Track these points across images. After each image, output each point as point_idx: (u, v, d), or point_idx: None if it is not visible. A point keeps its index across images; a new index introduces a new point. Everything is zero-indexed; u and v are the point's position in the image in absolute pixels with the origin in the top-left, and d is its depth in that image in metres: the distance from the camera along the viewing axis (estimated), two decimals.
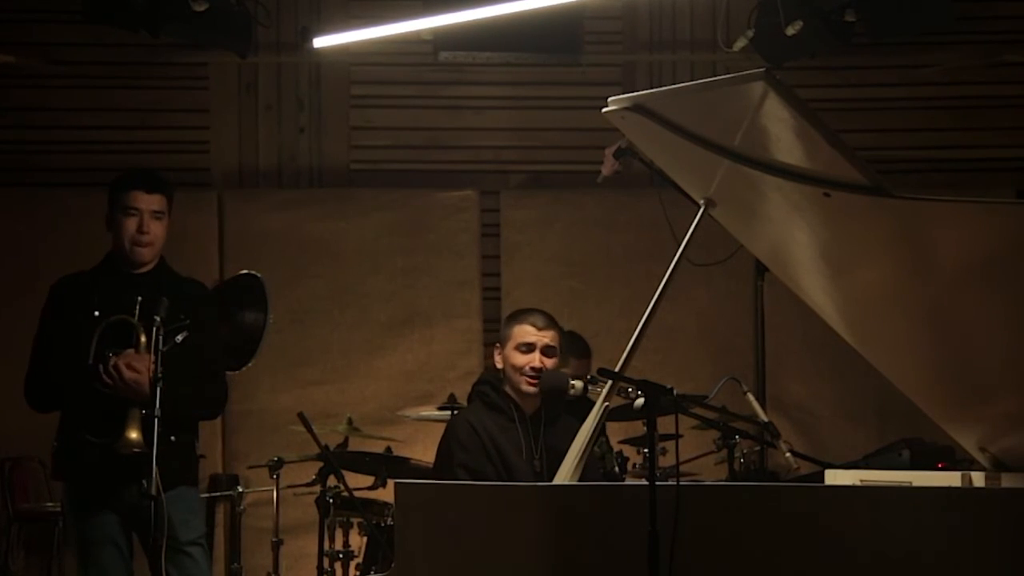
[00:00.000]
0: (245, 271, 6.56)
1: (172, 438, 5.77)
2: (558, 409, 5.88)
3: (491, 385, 5.91)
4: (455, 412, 7.34)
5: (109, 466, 5.65)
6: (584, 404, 5.50)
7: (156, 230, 5.85)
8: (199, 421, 6.05)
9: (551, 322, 5.94)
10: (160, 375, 5.46)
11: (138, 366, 5.62)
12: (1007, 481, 4.81)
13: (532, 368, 5.79)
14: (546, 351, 5.85)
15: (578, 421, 5.12)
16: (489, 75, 9.57)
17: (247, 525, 8.25)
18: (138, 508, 5.66)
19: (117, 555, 5.77)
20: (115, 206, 5.90)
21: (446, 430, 5.90)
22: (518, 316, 5.96)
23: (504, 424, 5.78)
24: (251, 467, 8.17)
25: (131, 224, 5.83)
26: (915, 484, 4.81)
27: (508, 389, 5.89)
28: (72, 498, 5.85)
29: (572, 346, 7.62)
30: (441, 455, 5.86)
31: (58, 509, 8.59)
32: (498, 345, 5.95)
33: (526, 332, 5.85)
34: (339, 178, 9.56)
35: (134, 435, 5.57)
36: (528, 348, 5.83)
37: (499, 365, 5.92)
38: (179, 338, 5.72)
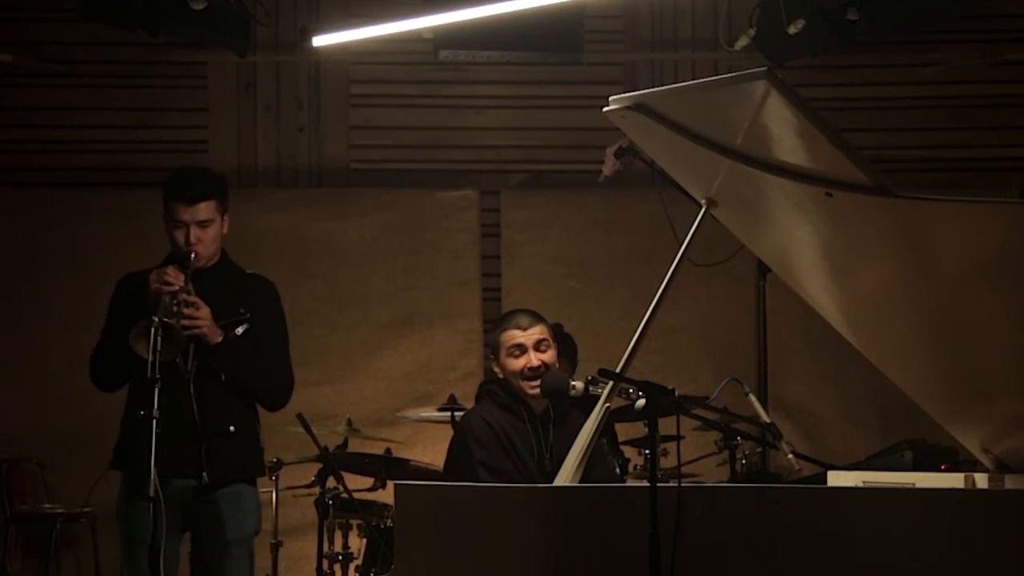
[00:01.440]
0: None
1: (231, 428, 5.79)
2: (566, 406, 5.85)
3: (500, 384, 5.89)
4: (455, 412, 7.33)
5: (167, 456, 5.58)
6: (595, 401, 5.47)
7: (205, 237, 5.84)
8: (264, 404, 6.00)
9: (535, 318, 5.91)
10: (159, 376, 5.42)
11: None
12: (1010, 483, 4.78)
13: (530, 368, 5.76)
14: (538, 347, 5.81)
15: (584, 415, 5.10)
16: (489, 74, 9.56)
17: None
18: (193, 504, 5.71)
19: (146, 557, 5.69)
20: (165, 212, 5.90)
21: (459, 429, 5.87)
22: (502, 323, 5.95)
23: (515, 423, 5.76)
24: (264, 475, 8.14)
25: (179, 235, 5.83)
26: (918, 486, 4.78)
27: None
28: (126, 492, 5.83)
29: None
30: (455, 454, 5.82)
31: (56, 511, 8.65)
32: (492, 357, 5.94)
33: (512, 336, 5.83)
34: (338, 178, 9.55)
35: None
36: (519, 350, 5.80)
37: (500, 374, 5.89)
38: (239, 330, 5.80)
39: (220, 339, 5.73)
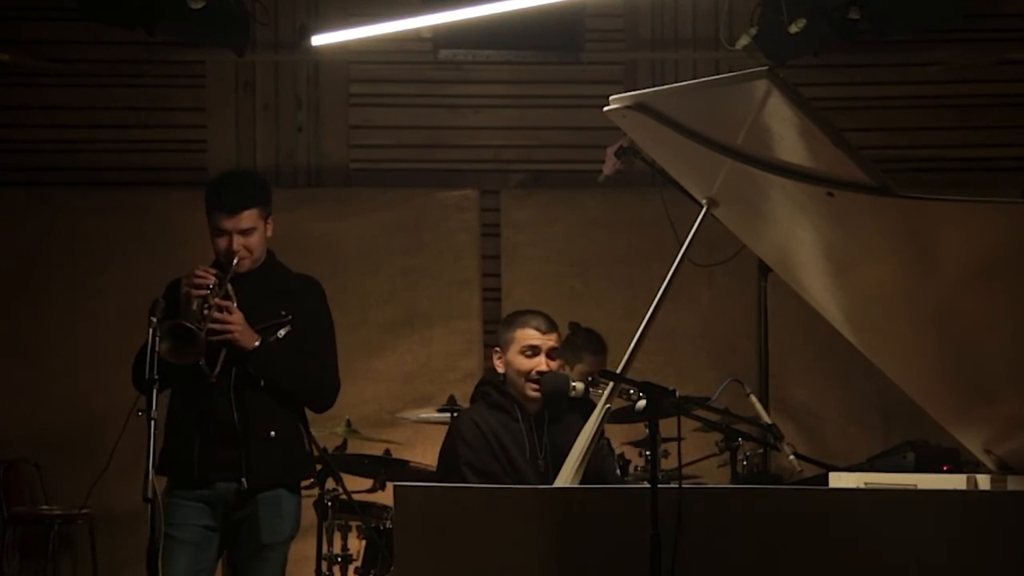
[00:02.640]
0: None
1: (272, 433, 5.74)
2: (561, 407, 5.82)
3: (494, 385, 5.86)
4: (455, 413, 7.31)
5: (208, 460, 5.62)
6: (591, 403, 5.48)
7: (249, 244, 5.77)
8: (308, 406, 5.95)
9: (553, 324, 5.88)
10: (157, 377, 5.38)
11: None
12: (1013, 484, 4.78)
13: (538, 372, 5.74)
14: (551, 354, 5.79)
15: (583, 419, 5.09)
16: (489, 73, 9.54)
17: None
18: (232, 509, 5.69)
19: (181, 555, 5.67)
20: (207, 218, 5.83)
21: (450, 430, 5.85)
22: (519, 319, 5.88)
23: (508, 423, 5.74)
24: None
25: (221, 243, 5.77)
26: (920, 487, 4.78)
27: (511, 389, 5.83)
28: (170, 496, 5.79)
29: (588, 342, 7.62)
30: (446, 455, 5.81)
31: (54, 512, 8.63)
32: (497, 349, 5.88)
33: (530, 336, 5.78)
34: (338, 177, 9.52)
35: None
36: (533, 352, 5.76)
37: (500, 369, 5.84)
38: (281, 333, 5.76)
39: (257, 344, 5.66)
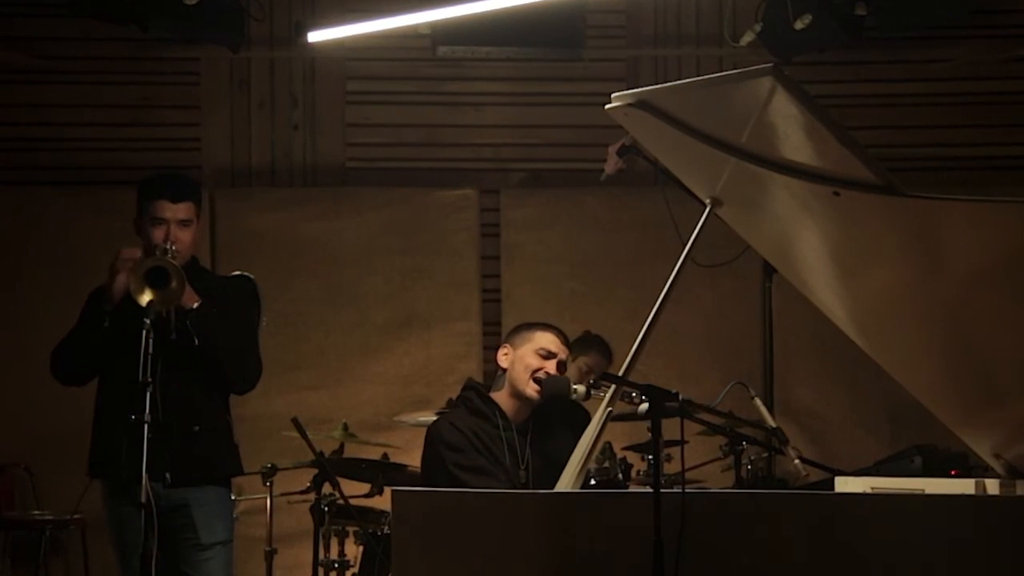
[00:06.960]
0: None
1: (196, 428, 5.82)
2: (547, 420, 5.89)
3: (476, 391, 5.96)
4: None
5: (135, 461, 5.56)
6: (579, 413, 5.72)
7: (184, 237, 5.88)
8: (234, 380, 6.00)
9: (569, 344, 6.05)
10: (151, 380, 5.43)
11: None
12: (1022, 489, 4.77)
13: (546, 373, 5.84)
14: (560, 366, 5.91)
15: (568, 430, 5.10)
16: (489, 70, 9.52)
17: (240, 534, 8.02)
18: (163, 506, 5.68)
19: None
20: (142, 213, 5.95)
21: (428, 438, 5.92)
22: (542, 325, 6.03)
23: (488, 430, 5.84)
24: (244, 474, 8.07)
25: (158, 234, 5.86)
26: (928, 492, 4.76)
27: (497, 395, 5.90)
28: (106, 499, 5.90)
29: (600, 344, 7.95)
30: (428, 464, 5.86)
31: (45, 517, 8.63)
32: (507, 345, 5.98)
33: (552, 341, 5.92)
34: (334, 176, 9.50)
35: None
36: (549, 355, 5.88)
37: (504, 364, 5.94)
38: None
39: (196, 305, 5.75)
